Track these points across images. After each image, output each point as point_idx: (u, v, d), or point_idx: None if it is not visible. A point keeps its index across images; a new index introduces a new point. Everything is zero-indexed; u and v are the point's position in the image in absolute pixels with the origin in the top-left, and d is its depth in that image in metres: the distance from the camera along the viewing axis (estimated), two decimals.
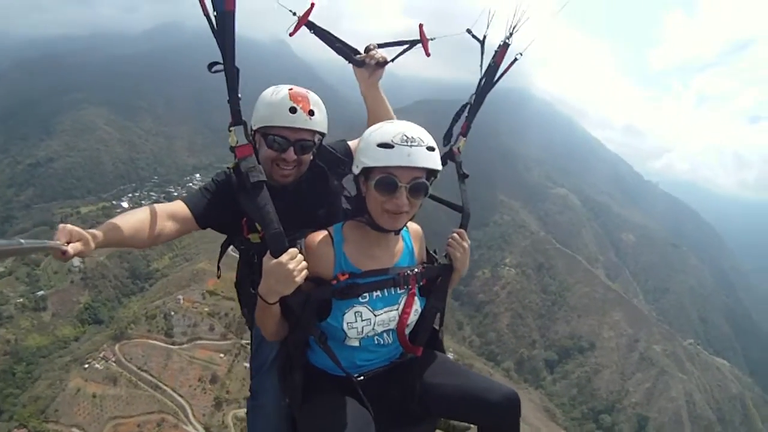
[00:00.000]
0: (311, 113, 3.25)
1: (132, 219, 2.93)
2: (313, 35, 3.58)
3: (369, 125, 3.47)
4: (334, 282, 2.80)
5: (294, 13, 3.40)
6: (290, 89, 3.28)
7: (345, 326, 2.85)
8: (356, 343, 2.94)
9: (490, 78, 3.68)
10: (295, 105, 3.19)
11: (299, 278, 2.60)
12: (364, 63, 3.69)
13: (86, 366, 67.59)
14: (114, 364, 68.18)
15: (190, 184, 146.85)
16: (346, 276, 2.82)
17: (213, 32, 2.88)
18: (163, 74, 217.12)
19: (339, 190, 3.55)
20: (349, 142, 3.81)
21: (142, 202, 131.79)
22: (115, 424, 61.69)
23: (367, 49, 3.72)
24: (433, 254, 3.29)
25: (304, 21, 3.46)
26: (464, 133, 3.73)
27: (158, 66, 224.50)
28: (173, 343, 73.32)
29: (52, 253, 2.25)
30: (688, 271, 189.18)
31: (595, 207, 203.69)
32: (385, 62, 3.73)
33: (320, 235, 2.92)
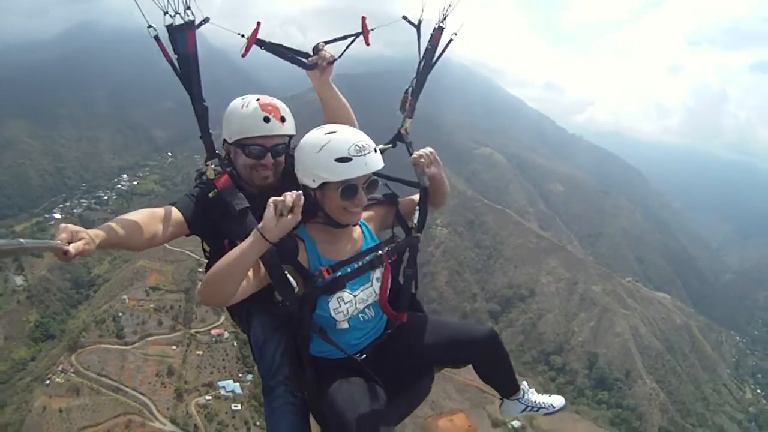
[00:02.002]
0: (282, 120, 3.61)
1: (129, 221, 3.20)
2: (265, 51, 3.88)
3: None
4: (320, 279, 3.22)
5: (242, 35, 3.65)
6: (258, 99, 3.62)
7: (332, 313, 3.32)
8: (346, 325, 3.40)
9: (428, 60, 4.09)
10: (268, 115, 3.54)
11: (292, 212, 2.87)
12: (317, 65, 4.01)
13: (47, 382, 67.45)
14: (73, 375, 68.19)
15: (119, 186, 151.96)
16: (330, 271, 3.24)
17: (177, 75, 3.22)
18: (80, 77, 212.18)
19: None
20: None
21: (74, 210, 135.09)
22: None
23: (316, 49, 4.03)
24: (402, 222, 3.77)
25: (253, 40, 3.70)
26: (409, 115, 4.13)
27: (74, 69, 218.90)
28: (126, 344, 74.10)
29: (53, 252, 2.36)
30: (620, 214, 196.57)
31: (521, 163, 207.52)
32: (334, 60, 4.04)
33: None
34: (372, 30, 4.04)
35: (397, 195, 3.78)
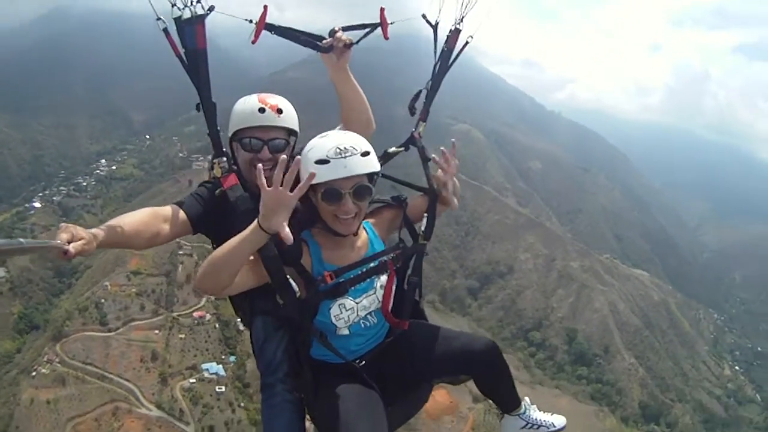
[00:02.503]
0: (279, 111, 3.55)
1: (131, 220, 3.19)
2: (275, 35, 3.74)
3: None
4: (322, 284, 3.19)
5: (250, 21, 3.54)
6: (258, 94, 3.61)
7: (333, 319, 3.29)
8: (346, 332, 3.38)
9: (444, 62, 4.02)
10: (263, 105, 3.50)
11: (289, 194, 2.81)
12: (332, 48, 3.84)
13: (33, 374, 67.37)
14: (59, 365, 68.14)
15: (98, 171, 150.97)
16: (333, 277, 3.21)
17: (185, 70, 3.17)
18: (56, 64, 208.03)
19: None
20: None
21: (54, 198, 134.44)
22: (74, 424, 61.97)
23: (332, 33, 3.86)
24: (410, 226, 3.69)
25: (262, 25, 3.58)
26: (423, 118, 4.06)
27: (50, 56, 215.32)
28: (109, 330, 74.10)
29: (53, 252, 2.34)
30: (599, 192, 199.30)
31: (499, 139, 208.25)
32: (351, 44, 3.88)
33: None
34: (391, 23, 3.94)
35: (405, 198, 3.72)
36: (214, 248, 3.62)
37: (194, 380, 68.39)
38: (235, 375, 69.85)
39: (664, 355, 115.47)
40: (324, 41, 3.82)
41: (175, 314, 77.94)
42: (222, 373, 69.80)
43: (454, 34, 3.95)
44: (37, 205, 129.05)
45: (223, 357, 72.96)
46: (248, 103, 3.56)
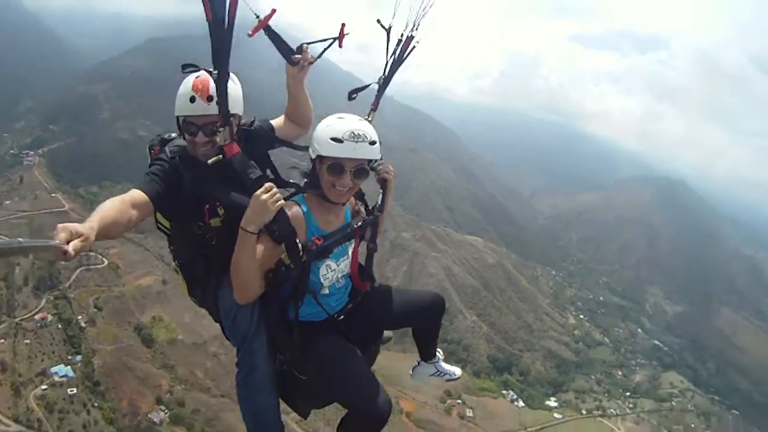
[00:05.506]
0: (209, 99, 3.62)
1: (110, 211, 3.16)
2: (267, 37, 3.83)
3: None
4: (313, 247, 3.57)
5: (257, 16, 3.60)
6: (196, 77, 3.71)
7: (322, 278, 3.74)
8: (327, 291, 3.86)
9: (396, 61, 4.51)
10: (194, 94, 3.64)
11: (274, 207, 3.33)
12: (299, 63, 4.13)
13: None
14: None
15: None
16: (321, 240, 3.63)
17: (210, 36, 3.17)
18: None
19: (266, 162, 4.15)
20: (272, 121, 4.44)
21: None
22: None
23: (300, 49, 4.11)
24: (363, 200, 4.12)
25: (265, 24, 3.68)
26: (375, 108, 4.52)
27: None
28: None
29: (52, 253, 2.31)
30: (428, 168, 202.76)
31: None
32: (314, 60, 4.22)
33: (293, 206, 3.62)
34: (347, 35, 4.16)
35: (363, 193, 4.10)
36: (162, 225, 4.15)
37: (45, 386, 66.56)
38: (83, 374, 68.40)
39: (506, 311, 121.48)
40: (294, 56, 4.11)
41: (17, 319, 75.04)
42: (71, 374, 68.57)
43: (408, 39, 4.43)
44: None
45: (69, 357, 71.26)
46: (184, 89, 3.70)
